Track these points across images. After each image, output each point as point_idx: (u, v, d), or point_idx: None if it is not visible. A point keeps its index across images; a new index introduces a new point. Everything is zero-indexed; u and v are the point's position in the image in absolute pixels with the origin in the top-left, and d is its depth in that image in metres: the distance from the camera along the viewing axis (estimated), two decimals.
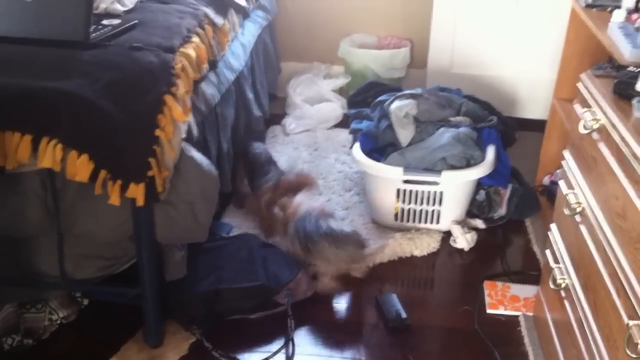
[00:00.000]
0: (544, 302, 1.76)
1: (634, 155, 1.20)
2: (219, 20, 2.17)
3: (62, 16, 1.69)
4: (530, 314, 1.92)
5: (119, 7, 1.97)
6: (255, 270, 1.95)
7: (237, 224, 2.32)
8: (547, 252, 1.73)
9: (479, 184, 2.34)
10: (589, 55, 2.28)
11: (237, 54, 2.38)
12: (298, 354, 1.81)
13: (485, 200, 2.35)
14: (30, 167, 1.60)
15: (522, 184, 2.42)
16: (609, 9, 2.03)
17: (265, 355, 1.78)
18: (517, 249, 2.30)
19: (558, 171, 2.38)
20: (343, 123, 3.04)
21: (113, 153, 1.56)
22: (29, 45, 1.67)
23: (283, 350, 1.80)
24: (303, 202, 2.14)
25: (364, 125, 2.49)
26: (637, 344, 1.09)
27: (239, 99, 2.47)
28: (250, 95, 2.60)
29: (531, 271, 2.11)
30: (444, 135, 2.29)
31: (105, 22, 1.85)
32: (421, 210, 2.29)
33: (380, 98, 2.51)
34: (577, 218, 1.49)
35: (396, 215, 2.31)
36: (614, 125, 1.32)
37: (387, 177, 2.24)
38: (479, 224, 2.35)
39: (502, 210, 2.38)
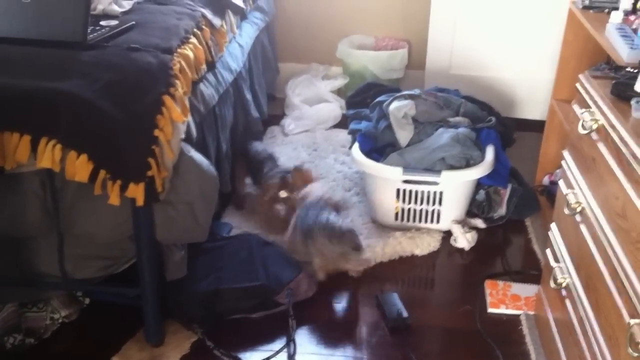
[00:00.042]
0: (545, 301, 1.77)
1: (633, 155, 1.21)
2: (216, 21, 2.17)
3: (60, 17, 1.69)
4: (532, 313, 1.93)
5: (117, 9, 1.97)
6: (255, 270, 1.95)
7: (237, 224, 2.32)
8: (548, 251, 1.73)
9: (479, 184, 2.34)
10: (586, 57, 2.29)
11: (235, 55, 2.38)
12: (299, 353, 1.81)
13: (485, 200, 2.36)
14: (29, 167, 1.60)
15: (521, 184, 2.42)
16: (606, 10, 2.04)
17: (267, 354, 1.78)
18: (517, 248, 2.30)
19: (558, 171, 2.38)
20: (342, 124, 3.04)
21: (112, 153, 1.56)
22: (27, 45, 1.67)
23: (285, 350, 1.80)
24: (312, 191, 2.15)
25: (363, 126, 2.49)
26: (638, 342, 1.09)
27: (237, 100, 2.47)
28: (248, 96, 2.60)
29: (532, 270, 2.12)
30: (443, 135, 2.30)
31: (103, 23, 1.85)
32: (421, 210, 2.29)
33: (378, 99, 2.52)
34: (577, 218, 1.50)
35: (396, 215, 2.31)
36: (612, 126, 1.33)
37: (387, 178, 2.25)
38: (479, 223, 2.35)
39: (502, 210, 2.38)
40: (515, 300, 2.00)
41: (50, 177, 1.64)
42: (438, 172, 2.21)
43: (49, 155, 1.53)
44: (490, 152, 2.29)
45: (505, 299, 2.01)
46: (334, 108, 3.10)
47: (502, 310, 1.96)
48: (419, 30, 3.19)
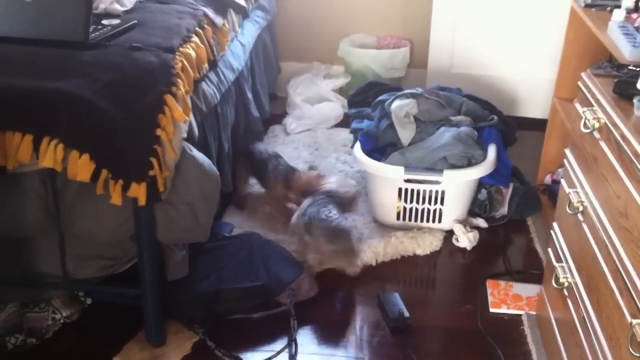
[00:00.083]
0: (547, 301, 1.76)
1: (635, 154, 1.20)
2: (218, 20, 2.17)
3: (61, 16, 1.69)
4: (533, 312, 1.92)
5: (119, 8, 1.97)
6: (256, 270, 1.95)
7: (238, 223, 2.32)
8: (550, 250, 1.73)
9: (480, 183, 2.34)
10: (588, 55, 2.29)
11: (236, 54, 2.38)
12: (301, 353, 1.81)
13: (486, 199, 2.35)
14: (30, 167, 1.60)
15: (523, 183, 2.42)
16: (608, 8, 2.04)
17: (268, 354, 1.78)
18: (519, 247, 2.30)
19: (559, 170, 2.38)
20: (343, 123, 3.04)
21: (114, 153, 1.56)
22: (28, 45, 1.67)
23: (286, 350, 1.80)
24: (325, 185, 2.16)
25: (365, 125, 2.49)
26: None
27: (238, 99, 2.47)
28: (249, 95, 2.60)
29: (533, 270, 2.11)
30: (445, 134, 2.29)
31: (104, 22, 1.85)
32: (423, 209, 2.29)
33: (380, 98, 2.52)
34: (579, 217, 1.49)
35: (398, 214, 2.31)
36: (614, 124, 1.32)
37: (388, 177, 2.24)
38: (481, 223, 2.35)
39: (503, 210, 2.38)
40: (516, 300, 1.99)
41: (51, 176, 1.64)
42: (440, 171, 2.21)
43: (51, 155, 1.53)
44: (492, 151, 2.29)
45: (506, 298, 2.00)
46: (336, 107, 3.10)
47: (504, 310, 1.96)
48: (421, 29, 3.18)
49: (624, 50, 1.72)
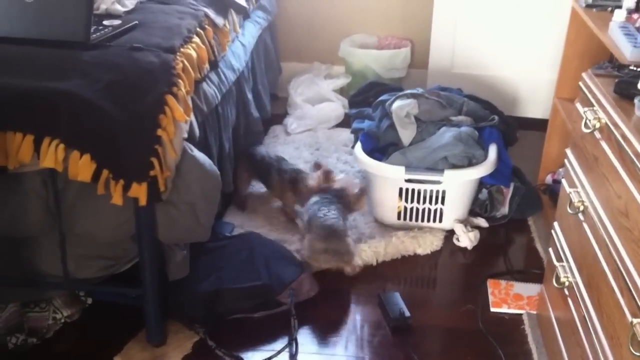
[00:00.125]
0: (548, 300, 1.76)
1: (636, 154, 1.20)
2: (219, 20, 2.17)
3: (62, 17, 1.69)
4: (534, 312, 1.92)
5: (120, 8, 1.97)
6: (257, 270, 1.95)
7: (239, 223, 2.32)
8: (550, 250, 1.73)
9: (481, 183, 2.34)
10: (589, 55, 2.29)
11: (237, 54, 2.38)
12: (301, 352, 1.81)
13: (487, 199, 2.35)
14: (31, 167, 1.60)
15: (524, 183, 2.42)
16: (609, 9, 2.04)
17: (269, 354, 1.78)
18: (519, 247, 2.30)
19: (560, 170, 2.38)
20: (344, 123, 3.04)
21: (115, 153, 1.56)
22: (29, 45, 1.67)
23: (287, 349, 1.80)
24: (335, 183, 2.18)
25: (366, 125, 2.49)
26: None
27: (239, 99, 2.47)
28: (249, 96, 2.60)
29: (534, 269, 2.11)
30: (445, 134, 2.29)
31: (105, 22, 1.85)
32: (424, 209, 2.29)
33: (381, 98, 2.52)
34: (580, 217, 1.50)
35: (399, 214, 2.31)
36: (615, 124, 1.33)
37: (389, 177, 2.25)
38: (482, 222, 2.35)
39: (504, 209, 2.38)
40: (517, 300, 1.99)
41: (52, 176, 1.64)
42: (441, 171, 2.21)
43: (52, 155, 1.53)
44: (492, 151, 2.29)
45: (507, 298, 2.00)
46: (337, 107, 3.10)
47: (505, 309, 1.96)
48: (422, 29, 3.18)
49: (625, 50, 1.72)
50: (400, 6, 3.26)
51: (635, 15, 1.90)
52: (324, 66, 3.32)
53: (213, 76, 2.08)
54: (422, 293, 2.10)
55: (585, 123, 1.45)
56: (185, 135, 1.70)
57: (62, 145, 1.53)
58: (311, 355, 1.81)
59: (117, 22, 1.86)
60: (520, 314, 1.94)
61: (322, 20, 3.33)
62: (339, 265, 2.05)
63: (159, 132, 1.57)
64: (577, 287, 1.49)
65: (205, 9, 2.11)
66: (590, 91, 1.51)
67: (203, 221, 1.75)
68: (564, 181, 1.65)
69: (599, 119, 1.41)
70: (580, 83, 1.58)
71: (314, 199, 2.14)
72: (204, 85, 1.98)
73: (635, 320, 1.12)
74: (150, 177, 1.56)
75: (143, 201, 1.57)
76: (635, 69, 1.54)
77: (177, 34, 1.85)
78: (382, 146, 2.39)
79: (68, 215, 1.69)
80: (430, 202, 2.27)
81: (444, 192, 2.25)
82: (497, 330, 1.88)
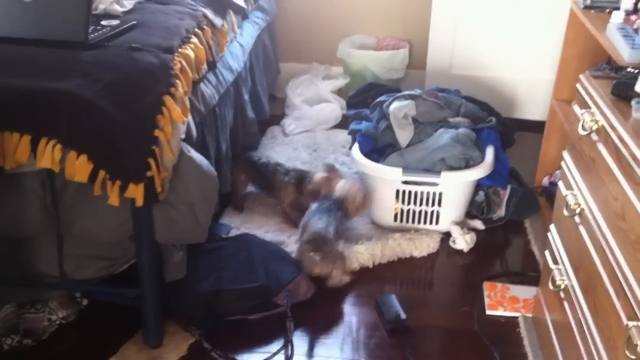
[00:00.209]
0: (544, 303, 1.76)
1: (633, 156, 1.20)
2: (217, 21, 2.17)
3: (61, 17, 1.69)
4: (530, 315, 1.92)
5: (118, 8, 1.97)
6: (255, 270, 1.95)
7: (236, 225, 2.32)
8: (547, 253, 1.73)
9: (478, 185, 2.34)
10: (588, 57, 2.29)
11: (235, 55, 2.38)
12: (297, 354, 1.81)
13: (484, 201, 2.35)
14: (29, 167, 1.59)
15: (521, 185, 2.42)
16: (607, 10, 2.04)
17: (265, 356, 1.78)
18: (516, 249, 2.30)
19: (557, 172, 2.38)
20: (342, 124, 3.04)
21: (112, 153, 1.55)
22: (28, 45, 1.67)
23: (282, 351, 1.80)
24: (336, 189, 2.18)
25: (363, 126, 2.49)
26: (636, 345, 1.09)
27: (237, 100, 2.47)
28: (246, 97, 2.60)
29: (530, 272, 2.11)
30: (443, 136, 2.29)
31: (104, 22, 1.85)
32: (420, 211, 2.29)
33: (379, 99, 2.52)
34: (577, 219, 1.49)
35: (395, 215, 2.31)
36: (612, 127, 1.33)
37: (386, 178, 2.24)
38: (478, 224, 2.35)
39: (501, 211, 2.38)
40: (513, 302, 1.99)
41: (50, 177, 1.64)
42: (438, 172, 2.21)
43: (49, 155, 1.53)
44: (490, 153, 2.29)
45: (503, 300, 2.00)
46: (335, 108, 3.10)
47: (500, 312, 1.96)
48: (420, 30, 3.18)
49: (623, 52, 1.72)
50: (398, 7, 3.26)
51: (633, 17, 1.90)
52: (322, 67, 3.32)
53: (211, 77, 2.08)
54: (419, 295, 2.10)
55: (583, 125, 1.45)
56: (183, 136, 1.70)
57: (59, 146, 1.53)
58: (307, 357, 1.81)
59: (115, 22, 1.86)
60: (516, 317, 1.94)
61: (320, 21, 3.32)
62: (327, 270, 2.03)
63: (157, 132, 1.57)
64: (573, 290, 1.49)
65: (204, 10, 2.11)
66: (588, 93, 1.51)
67: (201, 221, 1.75)
68: (560, 183, 1.65)
69: (596, 121, 1.41)
70: (578, 85, 1.58)
71: (314, 205, 2.14)
72: (202, 85, 1.98)
73: (631, 324, 1.12)
74: (147, 178, 1.56)
75: (140, 202, 1.57)
76: (632, 70, 1.53)
77: (175, 34, 1.85)
78: (379, 147, 2.39)
79: (67, 216, 1.69)
80: (427, 204, 2.27)
81: (440, 194, 2.25)
82: (493, 332, 1.88)
